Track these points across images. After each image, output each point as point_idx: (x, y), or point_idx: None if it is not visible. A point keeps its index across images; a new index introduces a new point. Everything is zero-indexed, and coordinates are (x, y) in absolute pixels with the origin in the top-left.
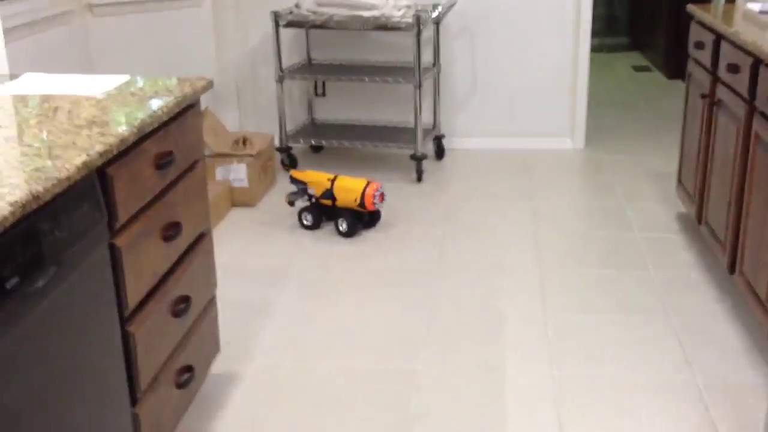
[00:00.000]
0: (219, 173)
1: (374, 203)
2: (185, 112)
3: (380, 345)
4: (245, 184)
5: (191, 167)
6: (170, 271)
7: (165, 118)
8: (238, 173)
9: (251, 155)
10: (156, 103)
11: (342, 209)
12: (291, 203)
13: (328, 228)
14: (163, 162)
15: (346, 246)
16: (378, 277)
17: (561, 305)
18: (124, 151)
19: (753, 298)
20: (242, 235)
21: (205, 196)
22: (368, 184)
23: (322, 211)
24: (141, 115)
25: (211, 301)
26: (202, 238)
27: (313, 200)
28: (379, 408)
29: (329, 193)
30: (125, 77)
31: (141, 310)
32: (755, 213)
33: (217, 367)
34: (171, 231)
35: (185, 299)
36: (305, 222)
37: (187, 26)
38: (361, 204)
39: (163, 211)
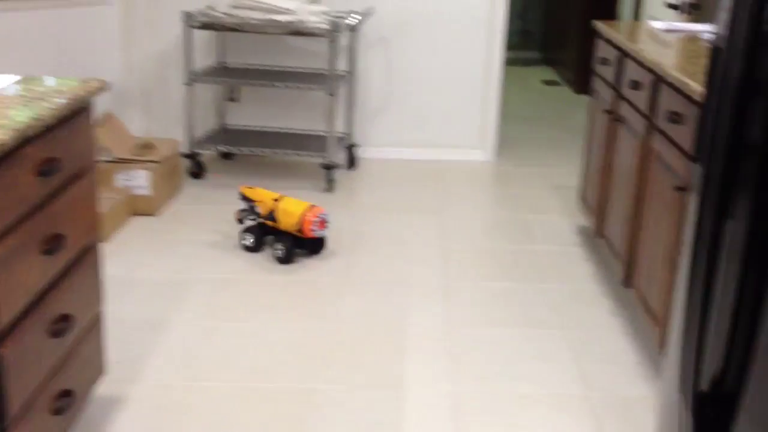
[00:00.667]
0: (119, 180)
1: (312, 230)
2: (76, 116)
3: (279, 363)
4: (147, 191)
5: (79, 175)
6: (50, 288)
7: (52, 122)
8: (139, 180)
9: (155, 161)
10: (43, 106)
11: (283, 233)
12: (239, 221)
13: (237, 245)
14: (46, 169)
15: (250, 259)
16: (282, 292)
17: (463, 319)
18: (2, 157)
19: (645, 311)
20: (141, 246)
21: (94, 206)
22: (310, 208)
23: (266, 233)
24: (24, 118)
25: (96, 319)
26: (88, 252)
27: (259, 220)
28: (275, 430)
29: (272, 215)
30: (14, 77)
31: (14, 330)
32: (650, 228)
33: (103, 389)
34: (52, 244)
35: (66, 318)
36: (246, 243)
37: (92, 25)
38: (300, 229)
39: (44, 222)
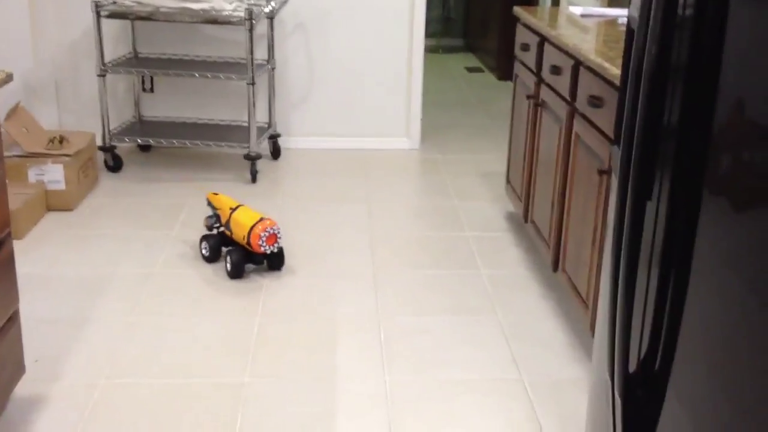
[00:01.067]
0: (32, 175)
1: (260, 245)
2: None
3: (206, 359)
4: (62, 186)
5: None
6: None
7: None
8: (53, 174)
9: (68, 155)
10: None
11: (237, 245)
12: (209, 228)
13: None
14: None
15: (171, 251)
16: (206, 285)
17: (394, 308)
18: None
19: (575, 294)
20: (57, 242)
21: (4, 202)
22: (259, 221)
23: (224, 243)
24: None
25: (12, 318)
26: None
27: (221, 229)
28: (204, 426)
29: (229, 225)
30: None
31: None
32: (575, 212)
33: (22, 389)
34: None
35: None
36: (203, 251)
37: (0, 15)
38: (249, 243)
39: None
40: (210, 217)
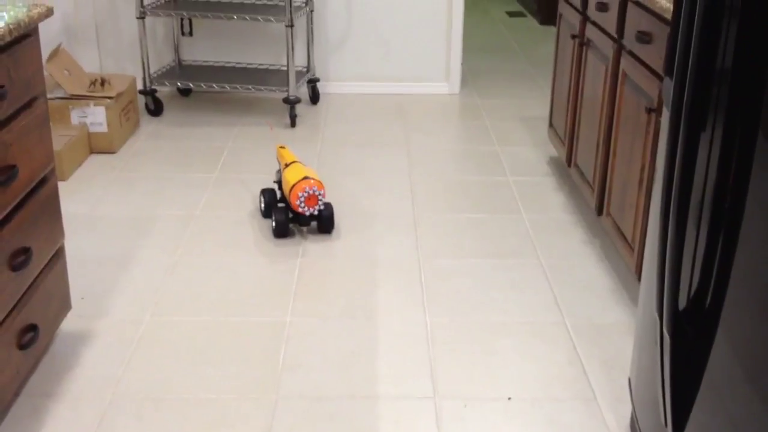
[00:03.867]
0: (74, 117)
1: (298, 205)
2: (19, 42)
3: (248, 298)
4: (104, 128)
5: (28, 104)
6: (5, 220)
7: None
8: (95, 117)
9: (110, 97)
10: None
11: (286, 203)
12: (277, 183)
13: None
14: None
15: (213, 194)
16: (247, 228)
17: (434, 251)
18: None
19: (620, 238)
20: (101, 183)
21: (48, 137)
22: (302, 179)
23: (281, 200)
24: None
25: (58, 253)
26: (43, 184)
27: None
28: (246, 363)
29: (280, 181)
30: None
31: None
32: (622, 153)
33: (69, 324)
34: (3, 175)
35: (24, 251)
36: (261, 206)
37: None
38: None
39: None
40: (278, 171)
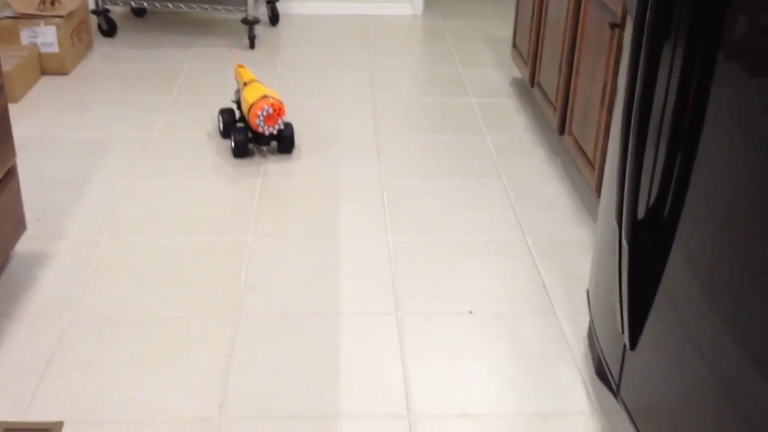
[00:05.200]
0: (24, 36)
1: (257, 124)
2: None
3: (208, 219)
4: (55, 49)
5: None
6: None
7: None
8: (46, 37)
9: (61, 16)
10: None
11: (245, 123)
12: (235, 103)
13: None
14: None
15: (170, 116)
16: (205, 149)
17: (397, 171)
18: None
19: (581, 157)
20: (54, 105)
21: None
22: (261, 98)
23: (239, 119)
24: None
25: (10, 173)
26: None
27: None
28: (207, 282)
29: (239, 100)
30: None
31: None
32: (585, 71)
33: (25, 246)
34: None
35: None
36: (219, 126)
37: None
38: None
39: None
40: (237, 90)
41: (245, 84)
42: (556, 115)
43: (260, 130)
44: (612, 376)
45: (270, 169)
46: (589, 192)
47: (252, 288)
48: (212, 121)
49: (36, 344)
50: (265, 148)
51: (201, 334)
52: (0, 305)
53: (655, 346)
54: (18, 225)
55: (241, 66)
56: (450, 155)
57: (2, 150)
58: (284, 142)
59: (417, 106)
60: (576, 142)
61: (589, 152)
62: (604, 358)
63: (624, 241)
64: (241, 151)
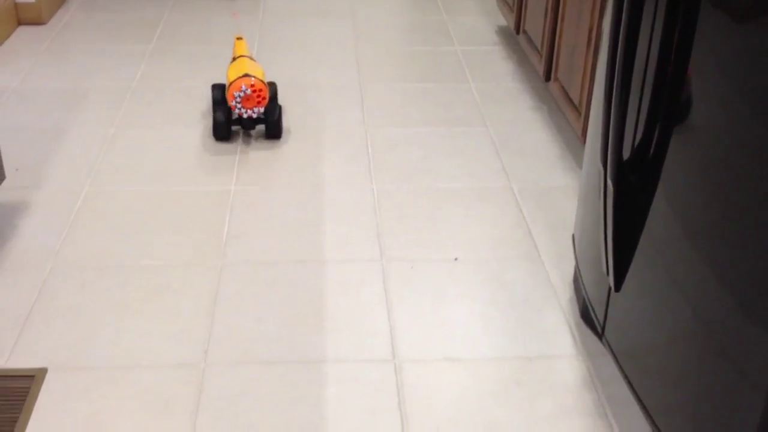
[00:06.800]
0: None
1: (235, 105)
2: None
3: (190, 168)
4: None
5: None
6: None
7: None
8: None
9: None
10: None
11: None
12: None
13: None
14: None
15: (150, 67)
16: (185, 99)
17: (381, 120)
18: None
19: (567, 103)
20: (31, 55)
21: None
22: (241, 77)
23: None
24: None
25: None
26: None
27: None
28: (189, 231)
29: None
30: None
31: None
32: (570, 16)
33: (4, 196)
34: None
35: None
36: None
37: None
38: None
39: None
40: None
41: (233, 59)
42: (542, 62)
43: (238, 112)
44: (597, 319)
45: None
46: (574, 139)
47: (235, 236)
48: (192, 72)
49: (17, 293)
50: (252, 133)
51: (184, 282)
52: None
53: (640, 288)
54: None
55: (239, 38)
56: (434, 104)
57: None
58: (271, 127)
59: (401, 55)
60: (562, 88)
61: (575, 98)
62: (589, 301)
63: (609, 182)
64: (220, 133)
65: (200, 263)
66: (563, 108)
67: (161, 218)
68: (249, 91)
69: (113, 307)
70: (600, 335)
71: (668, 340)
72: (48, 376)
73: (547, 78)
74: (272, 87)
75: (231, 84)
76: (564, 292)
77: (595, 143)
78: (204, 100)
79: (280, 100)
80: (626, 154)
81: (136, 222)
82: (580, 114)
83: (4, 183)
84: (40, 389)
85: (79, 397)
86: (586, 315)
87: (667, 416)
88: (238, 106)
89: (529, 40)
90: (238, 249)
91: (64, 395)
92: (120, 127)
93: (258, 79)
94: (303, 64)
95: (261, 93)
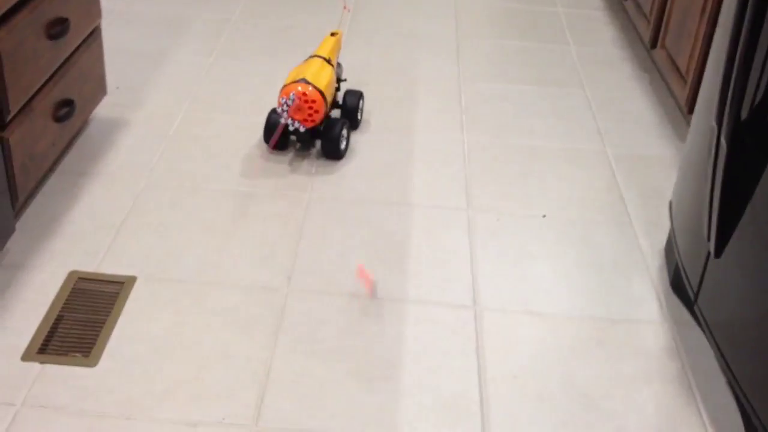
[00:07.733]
0: None
1: (281, 114)
2: None
3: None
4: None
5: None
6: None
7: None
8: None
9: None
10: None
11: None
12: None
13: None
14: None
15: (250, 1)
16: (283, 37)
17: (476, 74)
18: None
19: (673, 71)
20: None
21: None
22: (294, 82)
23: None
24: None
25: (94, 33)
26: None
27: None
28: (279, 164)
29: None
30: None
31: (7, 22)
32: None
33: (104, 111)
34: None
35: (62, 21)
36: None
37: None
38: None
39: None
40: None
41: (311, 57)
42: (649, 28)
43: (282, 120)
44: (690, 287)
45: (348, 62)
46: (675, 110)
47: (324, 173)
48: (291, 12)
49: (112, 203)
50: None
51: (272, 210)
52: (78, 163)
53: (740, 257)
54: (99, 88)
55: (333, 34)
56: (532, 63)
57: (89, 6)
58: (327, 144)
59: (500, 12)
60: (668, 55)
61: (683, 66)
62: (683, 267)
63: (723, 141)
64: (268, 137)
65: (288, 195)
66: (667, 76)
67: (253, 148)
68: (296, 101)
69: (202, 226)
70: (692, 304)
71: (766, 313)
72: (137, 284)
73: (653, 45)
74: (354, 95)
75: (284, 87)
76: (654, 259)
77: (709, 104)
78: (299, 38)
79: (375, 44)
80: (744, 114)
81: (230, 149)
82: (686, 82)
83: (105, 99)
84: (128, 296)
85: (165, 307)
86: (676, 284)
87: (758, 390)
88: (285, 115)
89: (637, 5)
90: (326, 185)
91: (151, 304)
92: (218, 57)
93: (315, 88)
94: (400, 13)
95: (314, 105)
